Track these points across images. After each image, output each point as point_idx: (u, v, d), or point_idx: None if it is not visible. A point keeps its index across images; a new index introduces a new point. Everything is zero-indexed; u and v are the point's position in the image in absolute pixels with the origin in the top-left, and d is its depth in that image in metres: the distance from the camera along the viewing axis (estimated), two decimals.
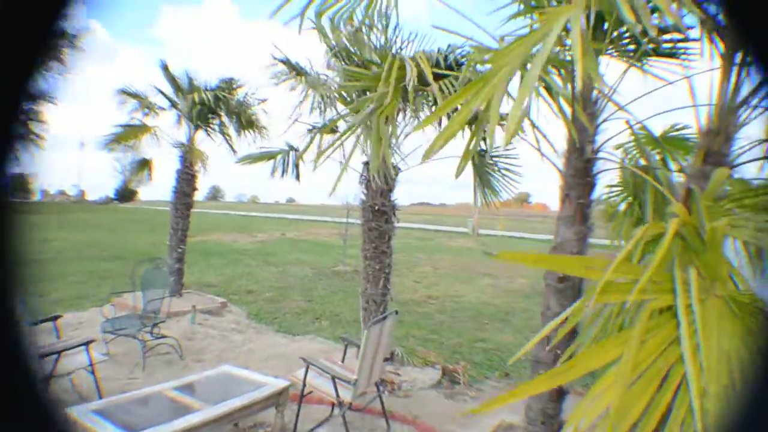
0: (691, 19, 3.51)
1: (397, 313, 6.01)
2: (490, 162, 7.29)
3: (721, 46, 3.28)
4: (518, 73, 1.61)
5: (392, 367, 7.60)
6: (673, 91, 3.44)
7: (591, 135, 3.59)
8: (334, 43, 6.55)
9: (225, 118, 12.60)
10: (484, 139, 7.18)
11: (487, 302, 14.07)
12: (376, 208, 7.56)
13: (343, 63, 6.92)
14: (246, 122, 12.60)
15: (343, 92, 7.34)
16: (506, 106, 2.63)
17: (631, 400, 1.16)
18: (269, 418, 5.54)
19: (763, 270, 3.94)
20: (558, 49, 3.47)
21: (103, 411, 4.45)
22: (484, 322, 11.87)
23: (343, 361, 6.17)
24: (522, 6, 3.90)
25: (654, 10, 3.79)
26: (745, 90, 3.15)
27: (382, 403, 5.92)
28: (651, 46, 4.12)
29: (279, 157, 9.15)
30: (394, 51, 6.49)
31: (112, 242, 24.56)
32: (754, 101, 3.19)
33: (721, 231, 1.60)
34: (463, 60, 6.05)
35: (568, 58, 3.74)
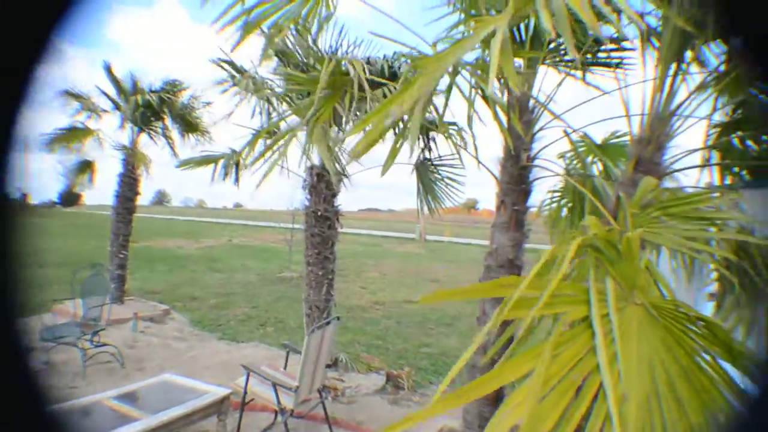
0: (631, 30, 3.60)
1: (338, 319, 6.00)
2: (433, 169, 7.34)
3: (656, 56, 3.37)
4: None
5: (336, 374, 7.58)
6: (613, 100, 3.52)
7: (527, 143, 3.65)
8: (275, 47, 6.51)
9: (169, 121, 12.41)
10: (430, 148, 7.27)
11: (434, 307, 14.11)
12: (319, 213, 7.55)
13: (289, 67, 6.90)
14: (189, 126, 12.42)
15: (287, 96, 7.31)
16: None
17: (543, 412, 1.17)
18: (212, 427, 5.47)
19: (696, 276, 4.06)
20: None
21: None
22: (429, 328, 11.93)
23: (285, 367, 6.13)
24: (462, 15, 3.94)
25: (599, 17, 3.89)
26: (679, 99, 3.25)
27: (324, 409, 5.89)
28: (590, 56, 4.20)
29: (221, 161, 9.01)
30: (340, 55, 6.50)
31: (54, 248, 23.98)
32: (687, 111, 3.28)
33: (636, 240, 1.63)
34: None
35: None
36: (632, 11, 1.71)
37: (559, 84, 3.91)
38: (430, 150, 7.36)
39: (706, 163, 4.29)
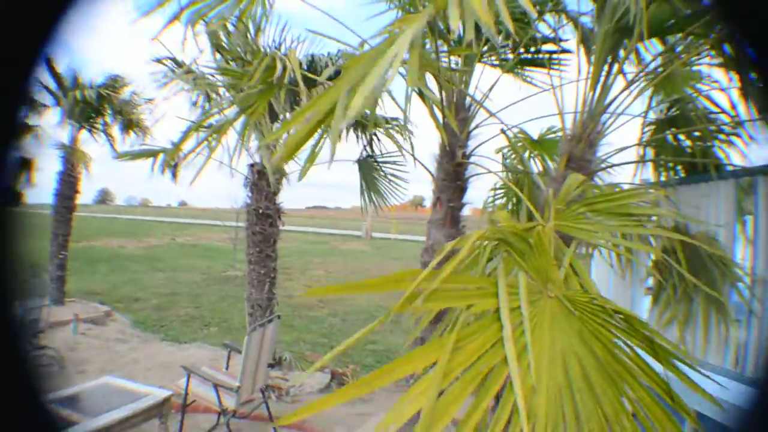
0: (568, 31, 3.66)
1: (279, 317, 5.96)
2: (377, 167, 7.34)
3: (585, 56, 3.43)
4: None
5: (280, 373, 7.53)
6: (550, 98, 3.56)
7: (463, 140, 3.66)
8: (214, 41, 6.42)
9: (110, 118, 12.14)
10: (371, 144, 7.28)
11: (380, 305, 14.14)
12: (261, 211, 7.49)
13: (230, 63, 6.82)
14: (130, 122, 12.17)
15: (229, 91, 7.23)
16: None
17: (445, 403, 1.18)
18: (154, 430, 5.38)
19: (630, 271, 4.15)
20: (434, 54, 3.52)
21: None
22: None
23: (227, 368, 6.06)
24: (401, 13, 3.95)
25: (526, 23, 3.95)
26: (611, 97, 3.30)
27: (268, 409, 5.85)
28: (527, 56, 4.25)
29: (161, 155, 8.79)
30: (284, 51, 6.44)
31: None
32: (620, 109, 3.34)
33: (547, 234, 1.65)
34: None
35: (444, 63, 3.82)
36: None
37: (495, 82, 3.95)
38: (372, 147, 7.36)
39: (637, 160, 4.38)
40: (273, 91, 3.42)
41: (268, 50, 6.42)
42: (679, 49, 3.66)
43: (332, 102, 1.30)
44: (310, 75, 4.26)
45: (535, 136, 4.77)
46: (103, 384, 5.59)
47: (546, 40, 4.27)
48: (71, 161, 11.46)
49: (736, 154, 4.27)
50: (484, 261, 1.52)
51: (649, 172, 4.82)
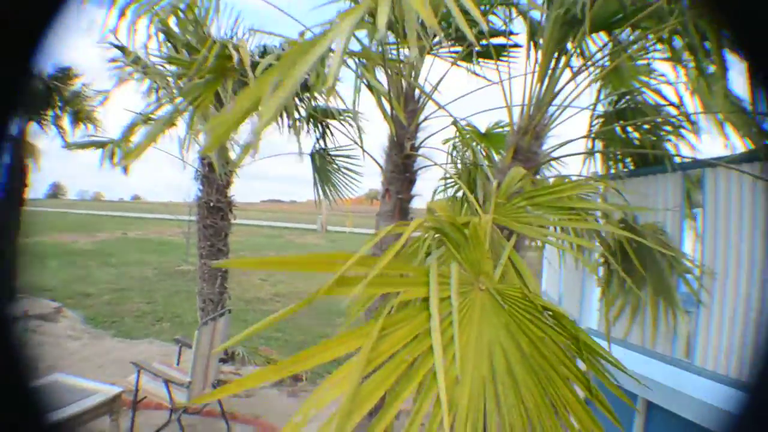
0: (518, 24, 3.67)
1: (230, 311, 5.91)
2: (330, 159, 7.29)
3: (534, 50, 3.45)
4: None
5: (233, 368, 7.48)
6: (499, 92, 3.57)
7: (411, 132, 3.66)
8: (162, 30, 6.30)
9: (60, 110, 11.90)
10: (324, 138, 7.24)
11: (335, 299, 14.06)
12: (212, 204, 7.42)
13: (185, 52, 6.70)
14: (81, 114, 11.94)
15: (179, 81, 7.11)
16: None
17: (366, 391, 1.17)
18: (105, 427, 5.28)
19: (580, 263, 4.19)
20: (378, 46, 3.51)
21: None
22: (330, 319, 11.91)
23: (178, 363, 6.00)
24: (351, 3, 3.93)
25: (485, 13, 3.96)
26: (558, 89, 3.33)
27: (220, 404, 5.81)
28: (477, 48, 4.26)
29: (109, 146, 8.60)
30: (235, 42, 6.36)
31: None
32: (567, 101, 3.37)
33: (483, 227, 1.65)
34: None
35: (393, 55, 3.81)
36: None
37: (444, 74, 3.95)
38: (325, 140, 7.31)
39: (585, 152, 4.43)
40: (220, 82, 3.37)
41: (217, 39, 6.32)
42: (626, 42, 3.71)
43: (259, 94, 1.28)
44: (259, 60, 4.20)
45: (483, 130, 4.80)
46: (52, 382, 5.48)
47: (495, 33, 4.29)
48: (19, 154, 11.18)
49: (685, 147, 4.34)
50: (424, 252, 1.51)
51: (598, 166, 4.88)
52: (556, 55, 3.38)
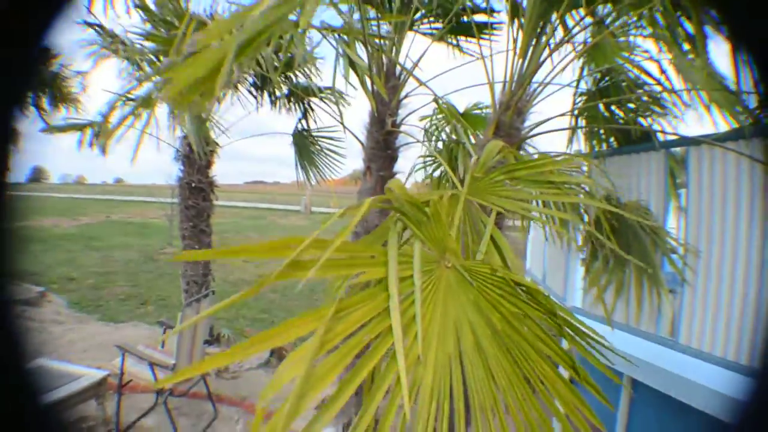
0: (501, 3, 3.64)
1: (214, 293, 5.88)
2: (313, 140, 7.25)
3: (517, 27, 3.42)
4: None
5: (219, 350, 7.45)
6: (481, 69, 3.55)
7: (393, 108, 3.63)
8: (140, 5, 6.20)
9: (40, 91, 11.71)
10: (306, 117, 7.19)
11: (321, 280, 14.05)
12: (193, 185, 7.36)
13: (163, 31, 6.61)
14: (61, 95, 11.76)
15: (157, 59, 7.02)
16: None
17: (321, 372, 1.15)
18: (92, 411, 5.26)
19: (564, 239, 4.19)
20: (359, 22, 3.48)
21: None
22: (315, 299, 11.91)
23: (162, 346, 5.97)
24: None
25: None
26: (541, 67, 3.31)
27: (206, 386, 5.79)
28: (457, 25, 4.23)
29: (89, 129, 8.46)
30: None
31: None
32: (548, 78, 3.35)
33: (444, 205, 1.62)
34: None
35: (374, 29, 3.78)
36: None
37: (426, 50, 3.91)
38: (307, 120, 7.27)
39: (566, 128, 4.42)
40: None
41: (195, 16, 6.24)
42: (605, 16, 3.69)
43: (223, 53, 1.24)
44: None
45: (462, 109, 4.77)
46: (37, 366, 5.43)
47: (477, 9, 4.26)
48: None
49: (669, 125, 4.34)
50: (395, 233, 1.48)
51: (581, 144, 4.88)
52: (538, 31, 3.35)
